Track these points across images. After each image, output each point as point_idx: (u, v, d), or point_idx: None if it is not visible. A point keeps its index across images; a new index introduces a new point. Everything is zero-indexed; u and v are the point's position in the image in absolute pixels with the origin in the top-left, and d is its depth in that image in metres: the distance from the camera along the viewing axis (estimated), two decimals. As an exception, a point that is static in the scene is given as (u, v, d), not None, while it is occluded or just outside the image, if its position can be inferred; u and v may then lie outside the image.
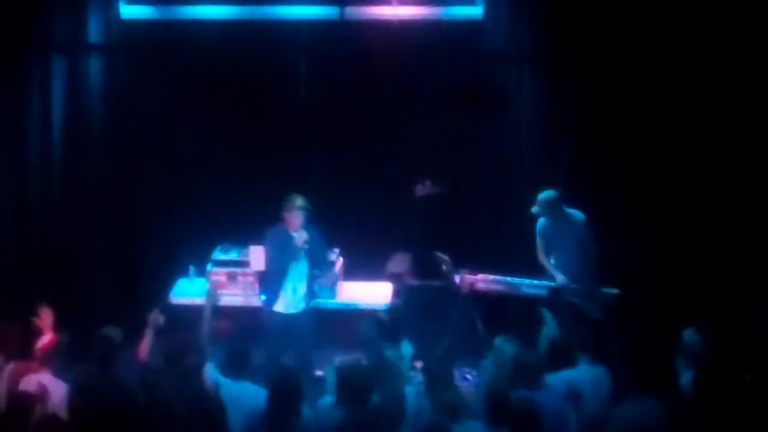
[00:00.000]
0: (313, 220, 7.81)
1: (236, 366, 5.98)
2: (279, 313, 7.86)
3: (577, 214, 8.21)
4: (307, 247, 7.71)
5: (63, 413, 5.73)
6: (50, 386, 5.93)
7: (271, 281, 7.93)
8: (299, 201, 7.68)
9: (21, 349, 6.56)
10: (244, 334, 7.77)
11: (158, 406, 5.58)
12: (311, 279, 7.92)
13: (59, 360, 6.19)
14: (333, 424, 5.43)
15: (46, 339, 6.24)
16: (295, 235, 7.71)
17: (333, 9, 8.81)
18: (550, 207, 8.15)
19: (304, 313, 7.91)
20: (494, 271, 8.49)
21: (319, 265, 7.99)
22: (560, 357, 6.28)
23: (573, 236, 8.17)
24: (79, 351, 6.26)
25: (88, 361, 6.13)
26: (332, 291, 8.42)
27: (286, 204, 7.70)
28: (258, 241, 8.20)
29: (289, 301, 7.85)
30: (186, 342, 6.30)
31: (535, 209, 8.18)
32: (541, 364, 5.98)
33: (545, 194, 8.17)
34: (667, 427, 5.41)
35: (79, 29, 8.93)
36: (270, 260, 7.91)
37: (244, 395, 5.76)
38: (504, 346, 6.23)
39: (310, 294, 7.95)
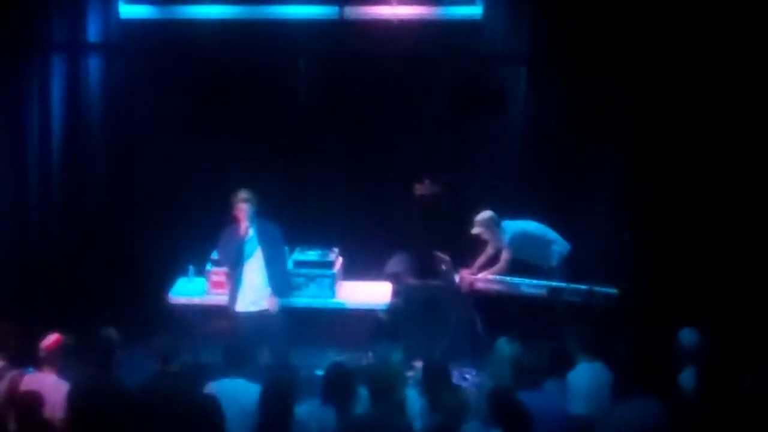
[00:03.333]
0: (268, 216, 7.89)
1: (234, 363, 5.98)
2: (240, 313, 7.86)
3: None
4: (248, 236, 7.73)
5: (62, 413, 5.73)
6: (53, 386, 5.93)
7: (229, 280, 7.97)
8: (241, 193, 7.75)
9: (19, 349, 6.56)
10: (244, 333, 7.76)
11: (156, 407, 5.58)
12: (274, 276, 7.88)
13: (63, 360, 6.19)
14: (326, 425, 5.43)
15: (51, 339, 6.23)
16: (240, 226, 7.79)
17: (332, 9, 8.82)
18: (487, 226, 8.42)
19: (267, 312, 7.88)
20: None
21: (273, 261, 7.91)
22: (561, 361, 6.28)
23: None
24: (79, 351, 6.26)
25: (87, 361, 6.12)
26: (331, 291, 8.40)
27: (232, 199, 7.78)
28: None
29: (247, 298, 7.86)
30: (182, 341, 6.29)
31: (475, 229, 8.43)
32: (541, 366, 5.98)
33: (482, 214, 8.41)
34: (668, 427, 5.41)
35: (78, 29, 8.92)
36: (218, 255, 8.07)
37: (239, 393, 5.76)
38: (504, 346, 6.23)
39: (276, 291, 7.89)
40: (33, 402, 5.56)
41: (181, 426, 5.35)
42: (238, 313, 7.89)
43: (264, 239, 7.85)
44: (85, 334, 6.33)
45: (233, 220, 7.85)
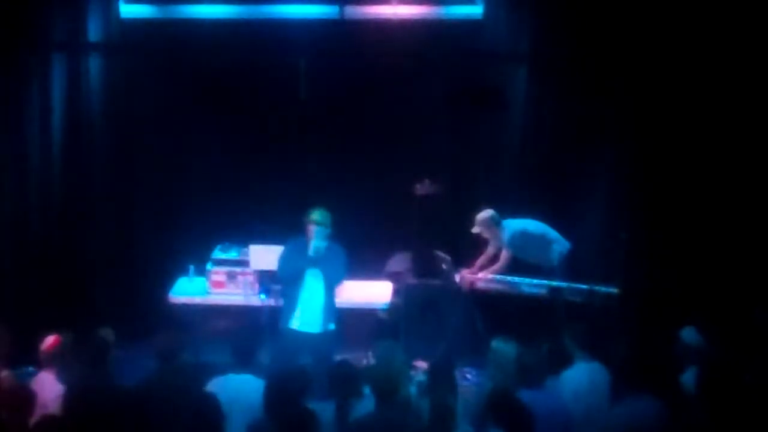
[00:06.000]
0: (337, 240, 7.51)
1: (242, 359, 5.99)
2: (292, 330, 7.49)
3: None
4: (314, 255, 7.36)
5: (58, 413, 5.72)
6: (50, 387, 5.93)
7: (285, 293, 7.66)
8: (314, 215, 7.38)
9: (17, 349, 6.56)
10: (247, 332, 7.72)
11: (156, 405, 5.57)
12: (329, 299, 7.54)
13: (61, 361, 6.19)
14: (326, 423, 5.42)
15: (50, 340, 6.23)
16: (309, 244, 7.41)
17: (333, 8, 8.82)
18: (487, 226, 8.42)
19: (321, 335, 7.50)
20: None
21: (331, 284, 7.55)
22: (559, 359, 6.28)
23: None
24: (74, 351, 6.26)
25: (81, 361, 6.12)
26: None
27: (306, 214, 7.44)
28: (257, 240, 8.24)
29: (304, 318, 7.49)
30: (179, 340, 6.29)
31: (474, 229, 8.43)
32: (543, 365, 5.98)
33: (482, 213, 8.40)
34: (667, 426, 5.41)
35: (79, 28, 8.92)
36: (279, 267, 7.66)
37: (246, 388, 5.76)
38: (502, 346, 6.22)
39: (328, 315, 7.53)
40: (23, 398, 5.55)
41: (181, 424, 5.33)
42: (289, 330, 7.50)
43: (328, 264, 7.45)
44: (83, 334, 6.33)
45: (300, 233, 7.47)
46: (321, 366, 7.10)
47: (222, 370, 6.01)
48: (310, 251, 7.37)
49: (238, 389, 5.71)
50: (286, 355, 7.38)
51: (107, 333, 6.24)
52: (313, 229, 7.37)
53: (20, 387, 5.78)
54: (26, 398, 5.54)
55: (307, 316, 7.49)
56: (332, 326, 7.56)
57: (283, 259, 7.61)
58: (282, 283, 7.76)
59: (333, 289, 7.58)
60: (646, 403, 5.50)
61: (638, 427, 5.44)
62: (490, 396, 5.47)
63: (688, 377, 6.02)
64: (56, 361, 6.15)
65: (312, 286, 7.48)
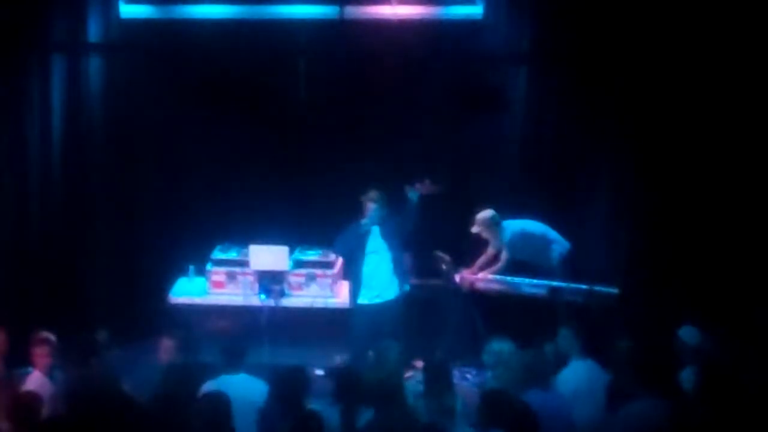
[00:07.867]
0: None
1: (232, 360, 5.99)
2: (363, 305, 8.05)
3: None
4: (363, 230, 7.96)
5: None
6: (39, 387, 5.93)
7: (350, 271, 8.20)
8: (370, 193, 8.00)
9: (14, 350, 6.56)
10: (244, 332, 7.75)
11: (158, 405, 5.57)
12: (395, 266, 8.06)
13: (53, 361, 6.18)
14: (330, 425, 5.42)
15: (37, 339, 6.23)
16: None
17: (332, 8, 8.82)
18: (487, 226, 8.45)
19: (391, 303, 8.05)
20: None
21: (394, 249, 8.09)
22: (559, 358, 6.29)
23: None
24: (67, 352, 6.26)
25: (72, 361, 6.12)
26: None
27: (363, 194, 8.05)
28: (257, 240, 8.25)
29: (372, 291, 8.03)
30: (187, 340, 6.29)
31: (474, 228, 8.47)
32: (549, 366, 5.98)
33: (482, 213, 8.44)
34: (667, 426, 5.41)
35: (78, 29, 8.91)
36: (336, 247, 8.28)
37: (241, 387, 5.76)
38: (502, 347, 6.22)
39: (399, 279, 8.08)
40: (32, 402, 5.55)
41: (187, 424, 5.33)
42: (358, 306, 8.06)
43: (387, 235, 8.05)
44: (81, 334, 6.34)
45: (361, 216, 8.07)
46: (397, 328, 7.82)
47: (215, 371, 6.01)
48: (360, 227, 7.99)
49: (235, 389, 5.70)
50: (362, 330, 7.93)
51: (99, 334, 6.23)
52: (369, 207, 8.01)
53: (29, 394, 5.77)
54: (35, 406, 5.52)
55: (377, 289, 8.04)
56: (406, 287, 8.16)
57: (340, 236, 8.15)
58: (345, 262, 8.37)
59: (397, 252, 8.09)
60: (646, 403, 5.51)
61: (638, 427, 5.45)
62: (486, 397, 5.47)
63: (687, 376, 6.03)
64: (45, 361, 6.14)
65: (374, 260, 8.04)
